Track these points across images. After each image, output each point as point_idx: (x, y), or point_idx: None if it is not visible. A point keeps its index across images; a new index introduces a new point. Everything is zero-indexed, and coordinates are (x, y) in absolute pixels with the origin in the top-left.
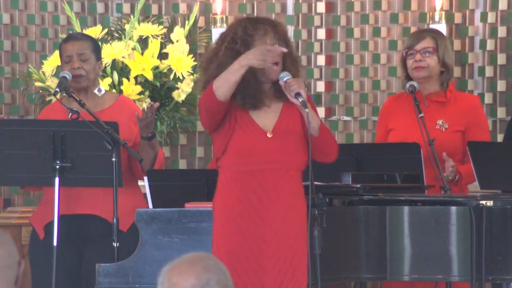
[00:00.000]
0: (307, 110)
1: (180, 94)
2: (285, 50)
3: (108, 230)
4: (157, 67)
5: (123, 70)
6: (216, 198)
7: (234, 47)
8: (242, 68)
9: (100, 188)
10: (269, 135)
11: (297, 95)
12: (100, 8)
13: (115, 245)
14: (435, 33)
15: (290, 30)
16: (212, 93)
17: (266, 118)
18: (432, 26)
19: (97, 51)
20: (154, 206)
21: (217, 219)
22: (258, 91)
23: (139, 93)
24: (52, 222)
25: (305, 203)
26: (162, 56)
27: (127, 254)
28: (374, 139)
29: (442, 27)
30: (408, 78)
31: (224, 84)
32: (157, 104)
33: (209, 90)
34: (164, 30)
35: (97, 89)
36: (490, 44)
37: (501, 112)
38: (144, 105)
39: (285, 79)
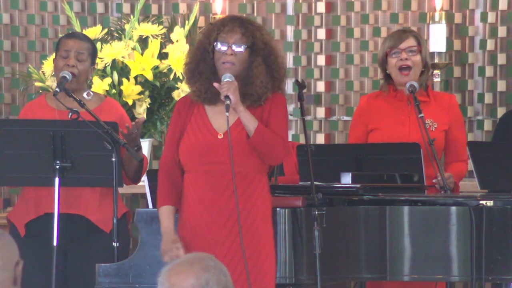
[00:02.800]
0: (227, 114)
1: (180, 94)
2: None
3: (90, 230)
4: (157, 67)
5: (123, 70)
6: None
7: (203, 40)
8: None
9: (87, 188)
10: (219, 137)
11: (226, 97)
12: (100, 8)
13: (115, 245)
14: (416, 33)
15: (290, 30)
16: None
17: (224, 118)
18: (432, 26)
19: (93, 56)
20: (154, 206)
21: (178, 220)
22: (211, 87)
23: (139, 93)
24: (34, 220)
25: (269, 203)
26: (162, 56)
27: (109, 254)
28: (347, 140)
29: (442, 27)
30: (388, 78)
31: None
32: (142, 119)
33: (162, 188)
34: (164, 30)
35: (86, 93)
36: (490, 44)
37: (501, 112)
38: (144, 106)
39: (225, 80)
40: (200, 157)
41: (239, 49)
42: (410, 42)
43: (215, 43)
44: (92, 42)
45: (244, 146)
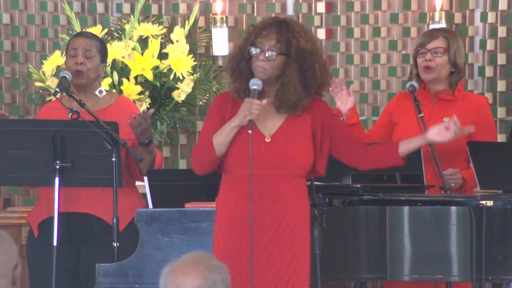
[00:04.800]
0: (249, 131)
1: (180, 94)
2: (263, 102)
3: (104, 229)
4: (157, 67)
5: (123, 70)
6: (218, 200)
7: (244, 41)
8: (234, 128)
9: (98, 187)
10: (267, 140)
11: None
12: (100, 8)
13: (115, 245)
14: (448, 33)
15: None
16: (212, 149)
17: (271, 121)
18: (432, 26)
19: (103, 52)
20: (154, 206)
21: (217, 222)
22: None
23: (139, 93)
24: (46, 220)
25: (308, 207)
26: (162, 56)
27: (124, 253)
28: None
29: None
30: (419, 76)
31: (220, 145)
32: (151, 111)
33: (207, 143)
34: (164, 30)
35: (98, 90)
36: (490, 44)
37: (501, 112)
38: (144, 106)
39: (253, 87)
40: (244, 162)
41: (271, 55)
42: (438, 42)
43: (250, 47)
44: (100, 40)
45: (296, 149)
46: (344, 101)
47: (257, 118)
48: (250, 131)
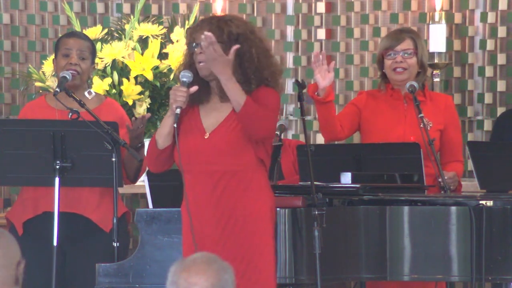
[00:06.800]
0: (174, 125)
1: None
2: (191, 90)
3: (90, 229)
4: (157, 67)
5: (123, 70)
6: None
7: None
8: (169, 117)
9: (86, 187)
10: (205, 136)
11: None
12: (100, 8)
13: (115, 245)
14: (413, 34)
15: (290, 30)
16: (155, 141)
17: (214, 117)
18: (432, 26)
19: (93, 54)
20: (154, 206)
21: (182, 218)
22: (199, 89)
23: (139, 93)
24: (32, 219)
25: (269, 202)
26: (162, 56)
27: (109, 254)
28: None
29: (442, 27)
30: (384, 77)
31: (159, 136)
32: (148, 115)
33: (152, 140)
34: (164, 30)
35: (87, 91)
36: (490, 44)
37: (501, 112)
38: (144, 106)
39: (182, 79)
40: (188, 157)
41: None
42: (406, 44)
43: (189, 47)
44: (91, 41)
45: (232, 145)
46: (323, 76)
47: (204, 114)
48: (175, 125)
